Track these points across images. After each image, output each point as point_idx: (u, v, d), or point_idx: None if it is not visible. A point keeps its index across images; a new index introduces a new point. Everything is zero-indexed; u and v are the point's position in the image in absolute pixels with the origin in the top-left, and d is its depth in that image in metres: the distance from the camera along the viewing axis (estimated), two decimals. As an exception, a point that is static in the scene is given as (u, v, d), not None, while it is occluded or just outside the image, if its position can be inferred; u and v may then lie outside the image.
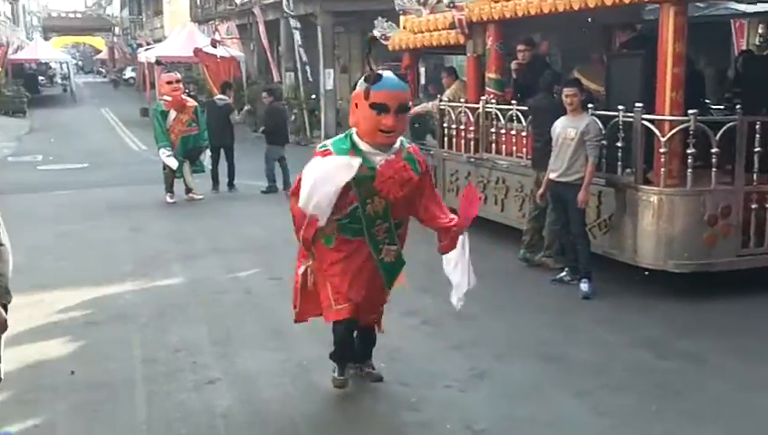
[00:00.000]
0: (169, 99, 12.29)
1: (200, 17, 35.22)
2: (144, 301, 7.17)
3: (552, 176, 7.36)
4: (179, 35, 30.53)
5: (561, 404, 4.90)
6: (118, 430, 4.61)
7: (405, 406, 4.82)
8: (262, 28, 24.25)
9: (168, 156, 12.08)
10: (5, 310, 3.94)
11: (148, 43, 45.30)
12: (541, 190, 7.61)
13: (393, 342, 5.91)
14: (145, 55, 32.72)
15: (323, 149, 4.60)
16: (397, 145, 4.63)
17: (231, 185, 13.46)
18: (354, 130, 4.60)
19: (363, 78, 4.47)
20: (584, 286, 7.12)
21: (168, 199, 12.35)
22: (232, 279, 7.89)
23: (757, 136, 7.09)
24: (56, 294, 7.36)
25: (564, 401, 4.95)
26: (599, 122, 7.31)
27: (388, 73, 4.52)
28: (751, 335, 6.16)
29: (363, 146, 4.54)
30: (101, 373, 5.41)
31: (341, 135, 4.72)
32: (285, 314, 6.67)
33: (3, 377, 4.11)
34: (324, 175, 4.38)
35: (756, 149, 7.07)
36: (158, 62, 25.04)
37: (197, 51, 23.50)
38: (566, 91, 7.27)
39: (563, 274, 7.53)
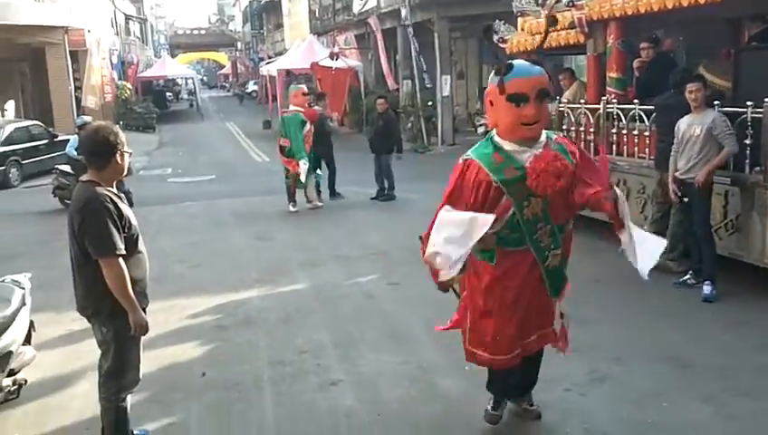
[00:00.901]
0: (302, 110, 12.70)
1: (319, 29, 36.04)
2: (270, 306, 7.44)
3: (678, 174, 7.21)
4: (299, 48, 31.35)
5: (685, 409, 4.78)
6: (248, 429, 4.82)
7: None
8: (379, 36, 24.60)
9: (307, 168, 12.49)
10: (144, 313, 4.23)
11: (269, 57, 46.62)
12: (672, 188, 7.34)
13: (512, 345, 5.95)
14: (267, 69, 33.70)
15: (465, 159, 4.19)
16: (542, 138, 4.16)
17: (333, 193, 13.73)
18: (494, 131, 4.19)
19: (494, 72, 4.09)
20: (707, 289, 6.91)
21: (291, 209, 12.72)
22: (353, 284, 8.08)
23: None
24: (189, 299, 7.73)
25: (689, 405, 4.83)
26: (724, 116, 7.08)
27: (519, 61, 4.11)
28: None
29: (507, 145, 4.11)
30: (232, 375, 5.67)
31: (483, 139, 4.27)
32: (404, 317, 6.85)
33: (141, 378, 4.40)
34: (452, 231, 3.99)
35: None
36: (288, 73, 25.89)
37: (314, 65, 24.13)
38: (690, 87, 7.08)
39: (687, 277, 7.33)
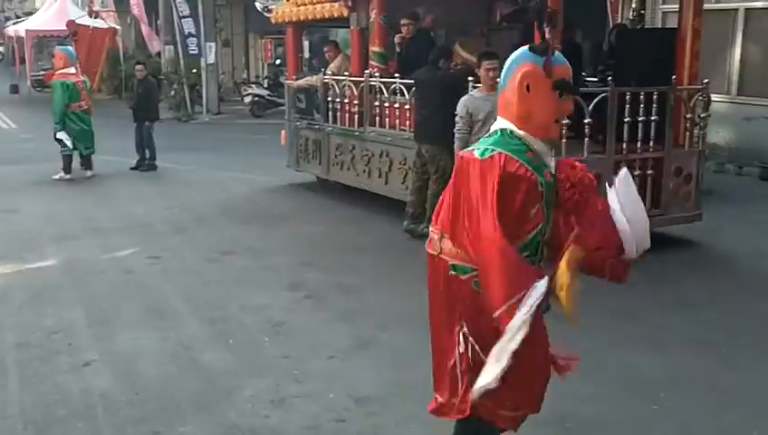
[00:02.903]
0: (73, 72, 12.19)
1: (73, -11, 33.72)
2: (16, 284, 6.85)
3: None
4: (51, 8, 29.15)
5: (443, 370, 4.99)
6: (-11, 417, 4.41)
7: (289, 378, 4.80)
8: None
9: None
10: None
11: (17, 17, 43.13)
12: None
13: (277, 316, 5.93)
14: (14, 29, 31.11)
15: (491, 154, 3.08)
16: None
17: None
18: (511, 126, 3.18)
19: (529, 49, 3.19)
20: None
21: (67, 176, 12.10)
22: (110, 259, 7.64)
23: (627, 107, 7.38)
24: None
25: (446, 366, 5.04)
26: None
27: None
28: (620, 296, 6.43)
29: (536, 144, 3.16)
30: (-30, 360, 5.16)
31: (493, 136, 3.22)
32: (165, 292, 6.60)
33: None
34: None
35: (626, 120, 7.37)
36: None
37: (70, 23, 22.58)
38: (487, 64, 7.02)
39: None
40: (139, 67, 13.53)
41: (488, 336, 3.08)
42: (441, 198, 3.29)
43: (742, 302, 6.35)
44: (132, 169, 12.88)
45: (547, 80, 3.13)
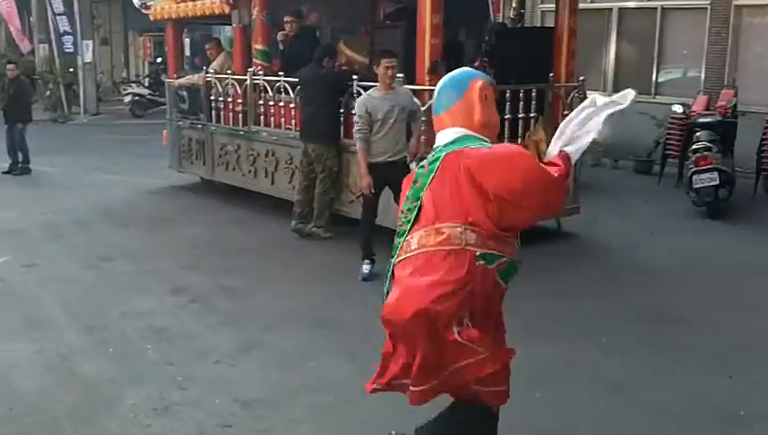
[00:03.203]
0: None
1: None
2: None
3: (382, 159, 6.78)
4: None
5: (331, 368, 4.96)
6: None
7: (173, 385, 4.67)
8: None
9: None
10: None
11: None
12: (367, 181, 6.78)
13: (159, 321, 5.78)
14: None
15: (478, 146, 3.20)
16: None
17: None
18: (472, 133, 3.26)
19: (476, 68, 3.59)
20: (365, 268, 6.86)
21: None
22: (-20, 268, 7.29)
23: (507, 104, 7.55)
24: None
25: (334, 364, 5.02)
26: None
27: None
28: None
29: None
30: None
31: (458, 141, 3.23)
32: (41, 301, 6.35)
33: None
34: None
35: (507, 116, 7.53)
36: None
37: None
38: (386, 62, 6.78)
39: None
40: (9, 66, 13.02)
41: (480, 318, 3.33)
42: (431, 198, 3.21)
43: (616, 291, 6.61)
44: (4, 173, 12.34)
45: (492, 94, 3.37)
